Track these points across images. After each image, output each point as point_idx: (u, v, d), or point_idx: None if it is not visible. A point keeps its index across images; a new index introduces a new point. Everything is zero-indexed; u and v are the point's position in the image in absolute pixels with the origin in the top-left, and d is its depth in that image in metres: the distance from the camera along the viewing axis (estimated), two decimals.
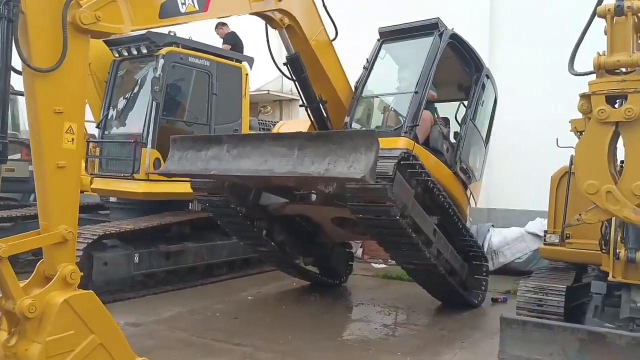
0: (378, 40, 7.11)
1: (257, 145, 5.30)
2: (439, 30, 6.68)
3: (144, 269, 7.39)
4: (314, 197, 6.25)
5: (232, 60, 8.92)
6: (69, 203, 3.62)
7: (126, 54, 8.13)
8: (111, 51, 8.25)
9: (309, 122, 6.93)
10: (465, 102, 7.34)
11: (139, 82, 8.24)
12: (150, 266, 7.49)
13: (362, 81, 6.95)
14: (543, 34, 10.19)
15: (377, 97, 7.12)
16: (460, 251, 6.91)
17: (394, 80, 7.35)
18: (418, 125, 6.21)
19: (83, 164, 8.57)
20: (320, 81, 6.65)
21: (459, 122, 7.29)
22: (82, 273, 3.66)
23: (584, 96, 3.97)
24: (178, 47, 8.01)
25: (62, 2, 3.44)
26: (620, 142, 3.98)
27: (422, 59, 6.61)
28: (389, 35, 7.05)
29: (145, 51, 7.90)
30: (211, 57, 8.47)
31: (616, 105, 3.89)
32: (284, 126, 7.63)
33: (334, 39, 6.62)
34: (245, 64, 9.10)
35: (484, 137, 7.75)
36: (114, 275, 7.00)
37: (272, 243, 7.04)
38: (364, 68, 7.02)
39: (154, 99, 7.56)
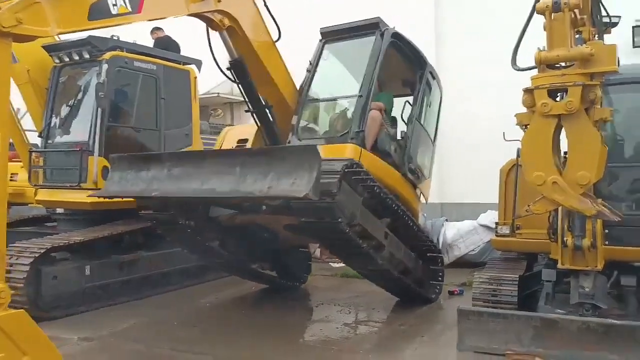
0: (320, 40, 7.02)
1: (198, 163, 5.24)
2: (380, 30, 6.63)
3: (96, 281, 7.12)
4: (263, 206, 6.20)
5: (180, 64, 8.75)
6: None
7: (67, 59, 7.83)
8: (51, 57, 7.94)
9: (256, 127, 6.84)
10: (411, 101, 7.35)
11: (82, 88, 7.94)
12: (103, 278, 7.23)
13: (307, 84, 6.85)
14: (488, 29, 10.48)
15: (322, 101, 7.05)
16: (414, 248, 6.96)
17: (338, 81, 7.32)
18: (363, 131, 6.21)
19: (26, 175, 8.22)
20: (265, 85, 6.55)
21: (405, 121, 7.33)
22: (12, 291, 3.46)
23: (527, 90, 4.10)
24: (122, 51, 7.79)
25: None
26: (563, 134, 4.13)
27: (365, 60, 6.57)
28: (331, 35, 6.97)
29: (87, 56, 7.63)
30: (157, 60, 8.28)
31: (558, 99, 4.03)
32: (230, 132, 7.48)
33: (277, 40, 6.55)
34: (193, 66, 8.95)
35: (432, 135, 7.83)
36: (65, 289, 6.73)
37: (226, 253, 6.92)
38: (307, 71, 6.91)
39: (99, 105, 7.31)
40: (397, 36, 6.86)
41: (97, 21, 4.16)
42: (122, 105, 8.02)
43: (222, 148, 7.10)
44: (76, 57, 7.72)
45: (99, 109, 7.38)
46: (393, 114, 7.43)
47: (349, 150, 6.03)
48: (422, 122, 7.32)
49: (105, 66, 7.45)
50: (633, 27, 9.74)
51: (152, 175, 5.46)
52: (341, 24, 6.90)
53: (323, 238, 5.82)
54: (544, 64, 4.04)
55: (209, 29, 5.96)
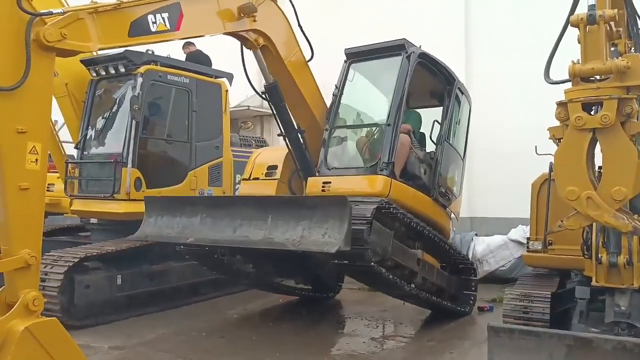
0: (345, 61, 6.94)
1: (230, 209, 5.43)
2: (407, 52, 6.50)
3: (127, 291, 7.25)
4: None
5: (212, 77, 8.91)
6: (32, 226, 3.50)
7: (104, 73, 8.05)
8: (88, 71, 8.17)
9: (284, 150, 6.94)
10: (439, 119, 7.25)
11: (117, 101, 8.15)
12: (134, 287, 7.36)
13: (334, 109, 6.77)
14: (519, 43, 10.36)
15: (350, 127, 7.00)
16: (447, 264, 7.01)
17: (366, 102, 7.27)
18: (393, 162, 6.19)
19: (62, 185, 8.43)
20: (298, 106, 6.62)
21: (434, 141, 7.23)
22: (46, 299, 3.53)
23: (560, 104, 4.03)
24: (156, 65, 7.98)
25: (25, 19, 3.37)
26: (597, 149, 4.05)
27: (392, 79, 6.49)
28: (356, 56, 6.89)
29: (123, 70, 7.84)
30: (190, 74, 8.45)
31: (592, 112, 3.96)
32: (259, 157, 7.51)
33: (310, 60, 6.61)
34: (224, 80, 9.09)
35: (461, 152, 7.74)
36: (97, 298, 6.87)
37: (261, 274, 7.05)
38: (333, 95, 6.85)
39: (133, 117, 7.49)
40: (423, 56, 6.76)
41: (137, 38, 4.32)
42: (155, 118, 8.20)
43: (251, 175, 7.22)
44: (112, 71, 7.93)
45: (133, 121, 7.56)
46: (422, 128, 7.41)
47: (379, 183, 6.06)
48: (451, 140, 7.23)
49: (140, 79, 7.65)
50: None
51: (185, 219, 5.70)
52: (366, 45, 6.83)
53: (354, 273, 5.84)
54: (578, 77, 3.98)
55: (244, 48, 6.08)
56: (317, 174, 6.54)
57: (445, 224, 7.26)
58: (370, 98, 7.40)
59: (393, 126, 6.25)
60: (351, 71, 6.89)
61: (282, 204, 5.20)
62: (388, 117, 6.34)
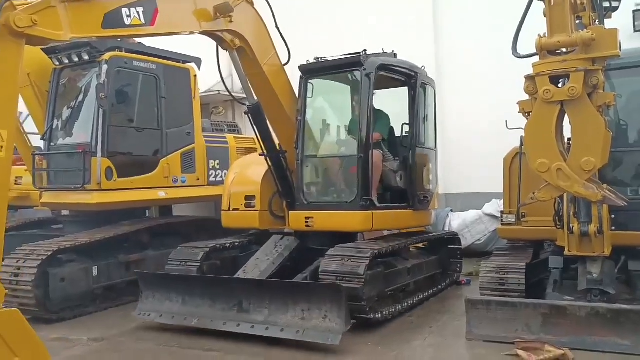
0: (301, 78, 6.74)
1: (227, 288, 5.71)
2: (364, 69, 6.30)
3: (104, 282, 7.17)
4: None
5: (179, 62, 8.74)
6: None
7: (67, 61, 7.80)
8: (51, 59, 7.92)
9: (258, 170, 7.04)
10: (407, 120, 7.18)
11: (83, 89, 7.92)
12: (110, 278, 7.27)
13: (301, 135, 6.61)
14: (487, 19, 10.41)
15: (321, 158, 6.92)
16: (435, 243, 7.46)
17: (332, 123, 7.26)
18: (371, 198, 6.27)
19: (31, 178, 8.23)
20: (276, 112, 6.58)
21: (405, 145, 7.15)
22: (6, 291, 3.44)
23: (528, 78, 4.08)
24: (121, 51, 7.78)
25: None
26: (567, 120, 4.11)
27: (356, 101, 6.54)
28: (311, 72, 6.72)
29: (87, 58, 7.60)
30: (157, 59, 8.26)
31: (560, 85, 4.01)
32: (234, 184, 7.37)
33: (287, 63, 6.55)
34: (193, 65, 8.93)
35: (432, 144, 7.61)
36: (73, 291, 6.76)
37: None
38: (297, 119, 6.68)
39: (100, 106, 7.28)
40: (382, 67, 6.57)
41: (111, 30, 4.26)
42: (123, 106, 7.98)
43: (230, 205, 7.24)
44: (76, 59, 7.69)
45: (100, 110, 7.36)
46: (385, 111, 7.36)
47: (360, 220, 6.28)
48: (422, 140, 7.14)
49: (105, 67, 7.44)
50: (633, 11, 9.66)
51: (183, 299, 5.91)
52: (321, 61, 6.74)
53: None
54: (545, 51, 4.03)
55: (219, 48, 6.04)
56: (296, 205, 6.65)
57: (427, 222, 7.53)
58: (335, 114, 7.39)
59: (366, 156, 6.26)
60: (309, 87, 6.75)
61: (279, 288, 5.46)
62: (358, 148, 6.33)
